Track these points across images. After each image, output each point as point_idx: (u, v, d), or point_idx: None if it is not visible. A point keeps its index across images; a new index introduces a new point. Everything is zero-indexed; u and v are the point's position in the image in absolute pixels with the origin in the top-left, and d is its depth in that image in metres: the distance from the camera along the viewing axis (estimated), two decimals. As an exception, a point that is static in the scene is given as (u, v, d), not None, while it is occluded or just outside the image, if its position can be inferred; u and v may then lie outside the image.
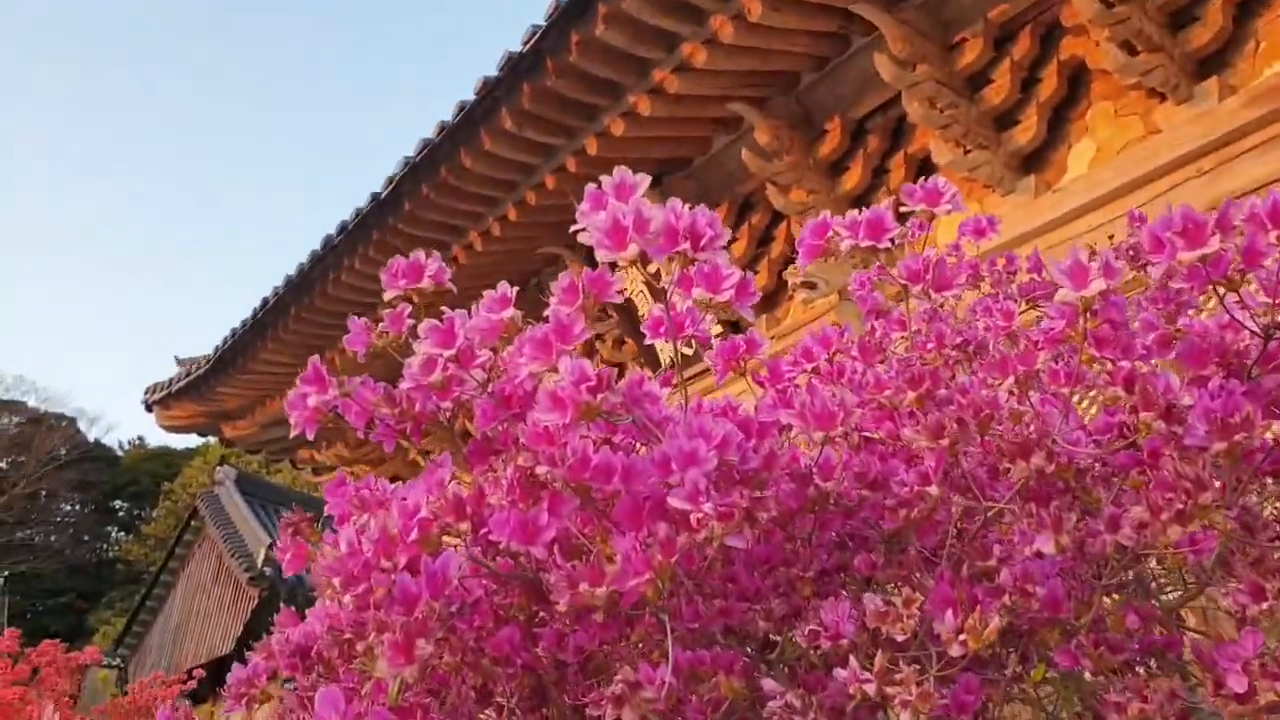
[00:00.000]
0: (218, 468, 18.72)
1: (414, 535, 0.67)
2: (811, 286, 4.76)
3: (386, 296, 0.99)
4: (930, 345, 0.94)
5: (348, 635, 0.65)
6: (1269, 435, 0.72)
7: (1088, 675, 0.83)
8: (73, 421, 35.90)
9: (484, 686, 0.77)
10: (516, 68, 4.82)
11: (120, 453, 37.05)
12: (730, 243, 5.64)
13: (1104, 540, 0.71)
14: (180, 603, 17.01)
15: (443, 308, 0.90)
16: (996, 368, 0.79)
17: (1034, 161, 4.46)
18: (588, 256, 6.26)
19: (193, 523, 17.29)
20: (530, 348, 0.78)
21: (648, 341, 1.08)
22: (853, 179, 4.98)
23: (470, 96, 5.11)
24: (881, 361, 0.97)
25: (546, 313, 0.81)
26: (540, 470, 0.71)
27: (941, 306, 1.02)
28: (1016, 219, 4.26)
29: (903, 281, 0.98)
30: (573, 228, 0.81)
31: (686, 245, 0.76)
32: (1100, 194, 4.11)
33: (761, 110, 4.98)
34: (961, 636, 0.65)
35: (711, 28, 4.37)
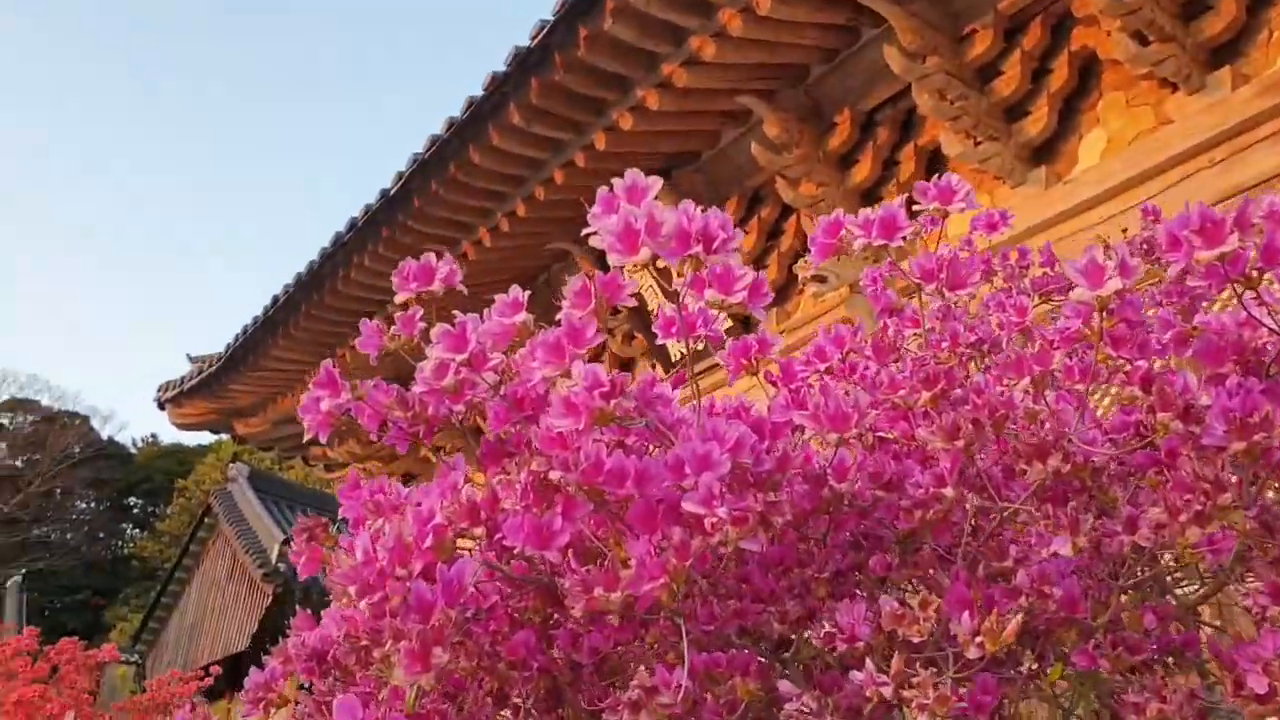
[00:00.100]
0: (230, 465, 18.82)
1: (429, 542, 0.67)
2: (822, 280, 4.75)
3: (398, 299, 0.99)
4: (945, 344, 0.93)
5: (364, 642, 0.65)
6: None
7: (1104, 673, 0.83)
8: (86, 420, 36.11)
9: (500, 690, 0.77)
10: (525, 63, 4.82)
11: (133, 450, 37.24)
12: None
13: (1121, 541, 0.71)
14: (196, 599, 17.10)
15: (454, 312, 0.90)
16: (1012, 367, 0.78)
17: (1045, 153, 4.43)
18: (597, 252, 6.25)
19: (206, 520, 17.38)
20: (543, 352, 0.77)
21: (659, 341, 1.07)
22: (863, 171, 4.96)
23: (478, 92, 5.11)
24: (895, 361, 0.97)
25: (559, 316, 0.81)
26: (554, 475, 0.71)
27: (955, 304, 1.01)
28: (1027, 210, 4.24)
29: (916, 280, 0.98)
30: (584, 231, 0.81)
31: (699, 248, 0.76)
32: (1112, 185, 4.09)
33: (770, 103, 4.96)
34: (979, 638, 0.64)
35: (720, 21, 4.36)
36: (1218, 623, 1.07)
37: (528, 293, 0.86)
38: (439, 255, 1.00)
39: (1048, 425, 0.74)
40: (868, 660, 0.67)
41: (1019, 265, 1.47)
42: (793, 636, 0.81)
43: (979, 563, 0.79)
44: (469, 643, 0.70)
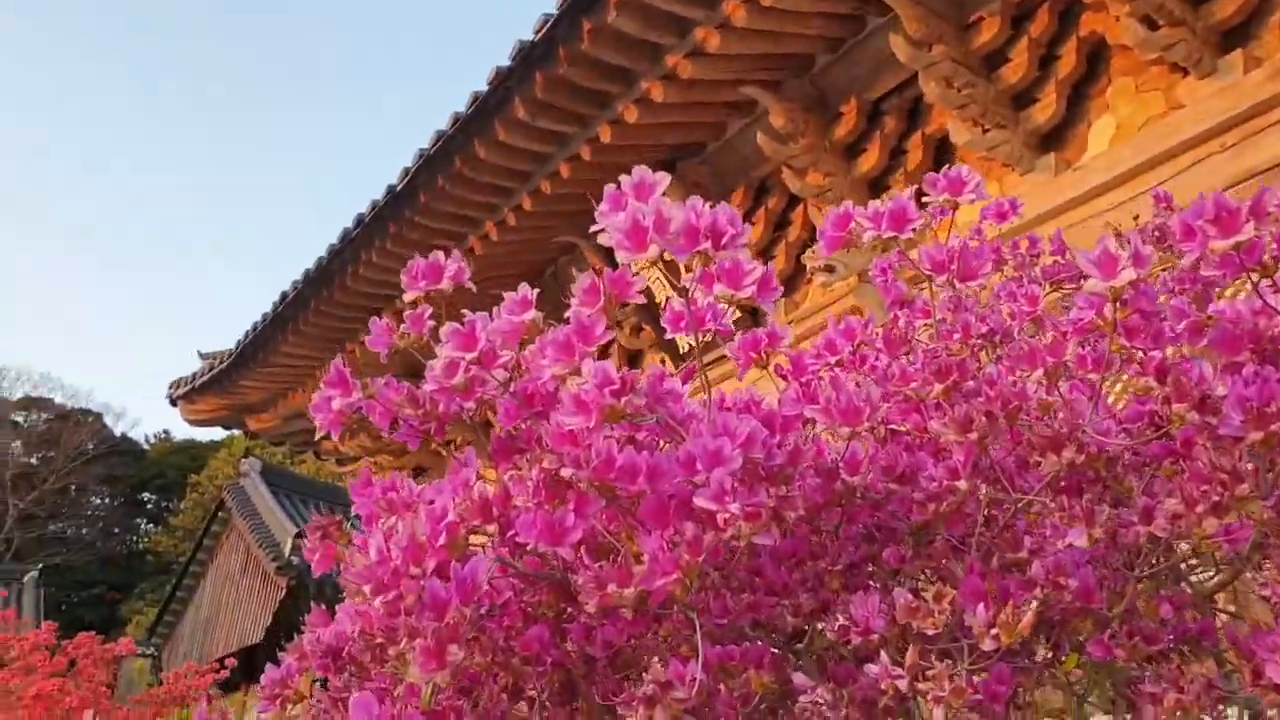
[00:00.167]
0: (243, 460, 18.89)
1: (442, 540, 0.67)
2: (830, 270, 4.74)
3: (407, 298, 0.99)
4: (956, 335, 0.93)
5: (379, 640, 0.65)
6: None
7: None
8: (99, 417, 36.31)
9: (514, 685, 0.77)
10: (529, 57, 4.81)
11: (146, 446, 37.44)
12: (748, 227, 5.62)
13: (1137, 532, 0.70)
14: (210, 593, 17.19)
15: (463, 311, 0.90)
16: (1025, 359, 0.78)
17: (1053, 140, 4.41)
18: (604, 246, 6.24)
19: (220, 514, 17.46)
20: (553, 350, 0.77)
21: (668, 335, 1.07)
22: (870, 160, 4.95)
23: (483, 88, 5.10)
24: (907, 353, 0.96)
25: (567, 314, 0.81)
26: (566, 472, 0.71)
27: (966, 295, 1.01)
28: (1036, 198, 4.22)
29: (927, 271, 0.97)
30: (592, 228, 0.81)
31: (708, 244, 0.76)
32: (1121, 171, 4.07)
33: (776, 93, 4.95)
34: (994, 630, 0.64)
35: (724, 12, 4.34)
36: (1233, 608, 1.06)
37: (536, 291, 0.86)
38: (446, 251, 1.00)
39: (1062, 417, 0.74)
40: (883, 653, 0.67)
41: (1029, 254, 1.46)
42: (806, 628, 0.81)
43: (993, 554, 0.79)
44: (483, 638, 0.70)
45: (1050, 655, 0.82)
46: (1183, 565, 0.88)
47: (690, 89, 4.87)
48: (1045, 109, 4.34)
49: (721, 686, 0.73)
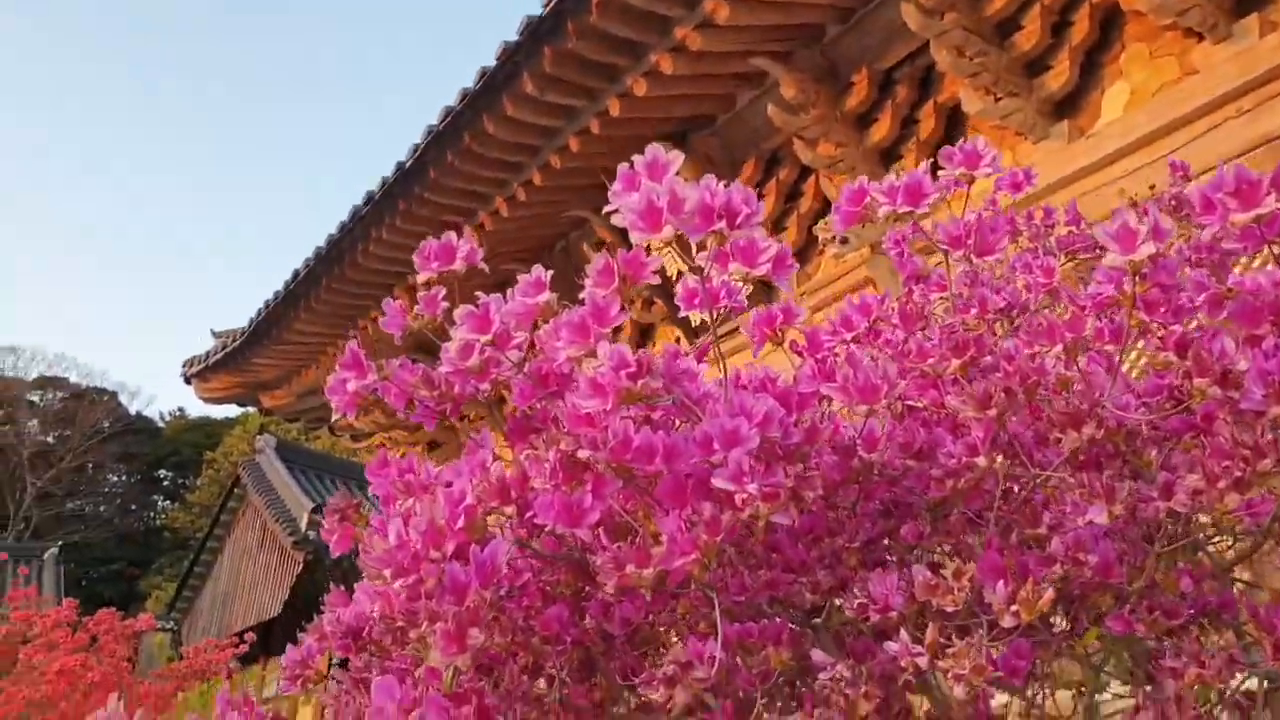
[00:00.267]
0: (258, 436, 19.00)
1: (461, 523, 0.67)
2: (843, 241, 4.71)
3: (420, 279, 0.99)
4: (973, 310, 0.92)
5: (400, 623, 0.66)
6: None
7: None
8: (114, 395, 36.58)
9: (534, 663, 0.77)
10: (536, 31, 4.78)
11: (161, 424, 37.72)
12: (758, 199, 5.59)
13: (1157, 507, 0.70)
14: (228, 568, 17.34)
15: (476, 288, 0.90)
16: (1044, 334, 0.77)
17: (1067, 107, 4.36)
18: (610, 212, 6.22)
19: (236, 490, 17.59)
20: (567, 331, 0.77)
21: (681, 314, 1.07)
22: (881, 130, 4.90)
23: (491, 64, 5.08)
24: (923, 329, 0.96)
25: (580, 294, 0.81)
26: (583, 454, 0.71)
27: (982, 270, 1.00)
28: (1050, 166, 4.18)
29: (943, 247, 0.97)
30: (606, 209, 0.81)
31: (722, 223, 0.75)
32: (1136, 138, 4.02)
33: (786, 64, 4.90)
34: (1014, 607, 0.64)
35: (734, -19, 4.30)
36: (1247, 576, 1.06)
37: (551, 272, 0.86)
38: (456, 228, 1.01)
39: (1080, 390, 0.74)
40: (902, 631, 0.67)
41: (1044, 224, 1.45)
42: (823, 604, 0.81)
43: (1012, 530, 0.78)
44: (502, 618, 0.71)
45: (1069, 628, 0.82)
46: (1200, 536, 0.87)
47: (699, 61, 4.83)
48: (1058, 76, 4.29)
49: (740, 663, 0.74)
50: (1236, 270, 1.01)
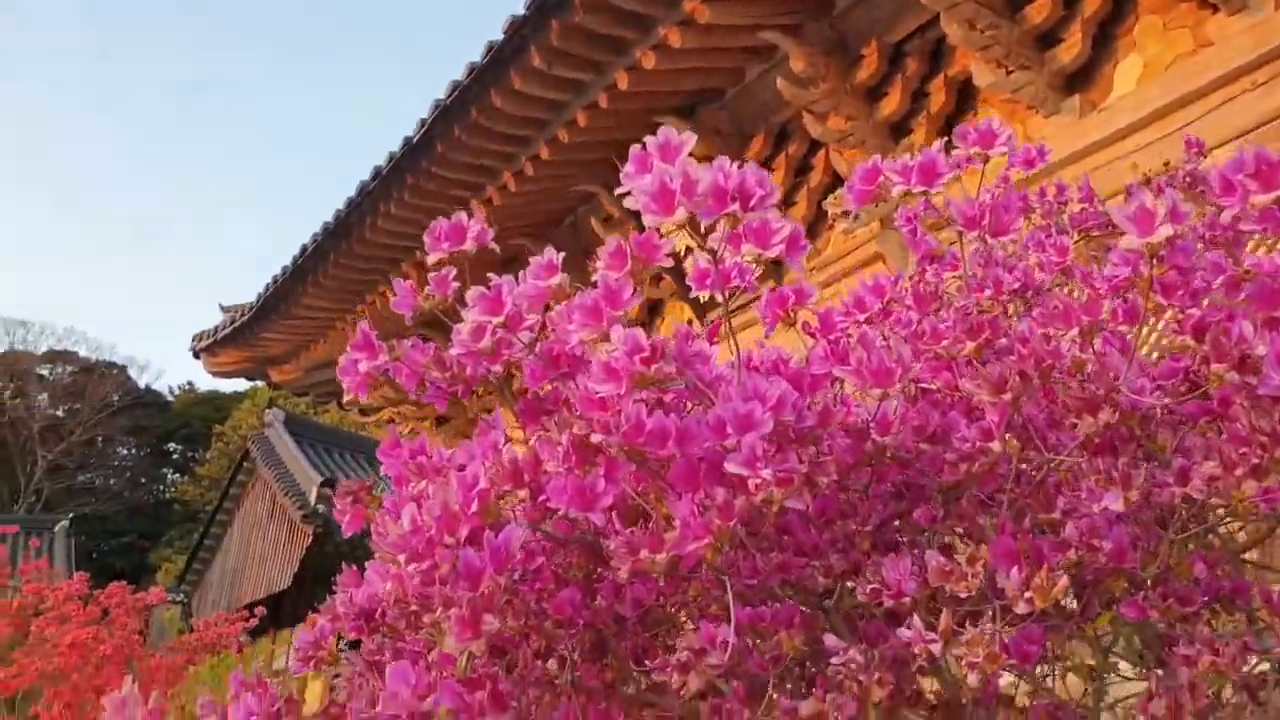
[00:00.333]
0: (266, 410, 19.07)
1: (474, 507, 0.67)
2: (855, 217, 4.69)
3: (431, 259, 0.99)
4: (988, 291, 0.92)
5: (414, 607, 0.66)
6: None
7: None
8: (123, 369, 36.73)
9: (547, 646, 0.78)
10: (544, 5, 4.74)
11: (170, 398, 37.87)
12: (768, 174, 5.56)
13: (1172, 492, 0.70)
14: (238, 541, 17.46)
15: (484, 264, 0.90)
16: (1060, 318, 0.77)
17: (1079, 80, 4.32)
18: (621, 195, 6.19)
19: (245, 464, 17.67)
20: (580, 314, 0.77)
21: (693, 294, 1.07)
22: (892, 104, 4.87)
23: (498, 38, 5.04)
24: (937, 310, 0.95)
25: (592, 274, 0.81)
26: (596, 438, 0.71)
27: (995, 250, 0.99)
28: (1062, 140, 4.15)
29: (959, 228, 0.96)
30: (618, 190, 0.80)
31: (736, 206, 0.75)
32: (1149, 111, 3.99)
33: (795, 37, 4.86)
34: (1028, 594, 0.64)
35: (743, -47, 4.26)
36: (1254, 555, 1.06)
37: (562, 254, 0.85)
38: (464, 202, 1.00)
39: (1095, 372, 0.73)
40: (915, 617, 0.67)
41: (1057, 201, 1.44)
42: (835, 587, 0.81)
43: (1025, 513, 0.78)
44: (515, 601, 0.71)
45: (1080, 612, 0.81)
46: (1213, 519, 0.87)
47: (708, 34, 4.79)
48: (1070, 49, 4.24)
49: (752, 646, 0.74)
50: (1249, 248, 1.00)
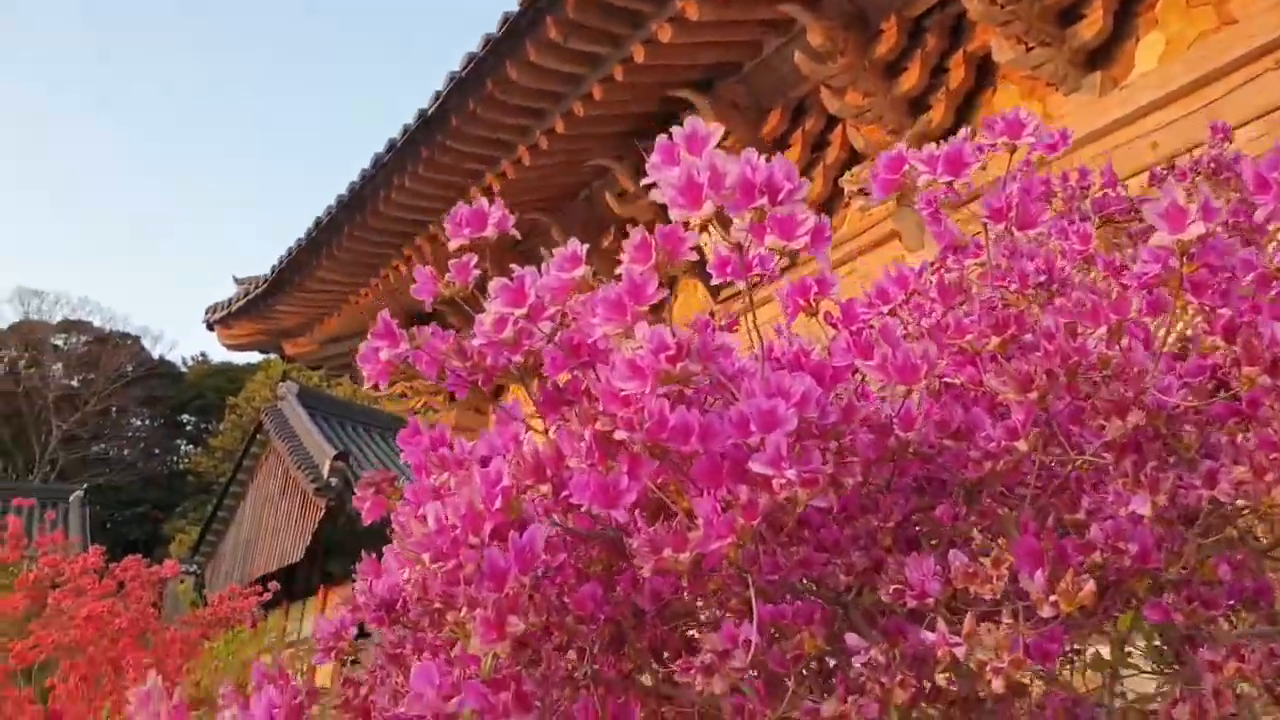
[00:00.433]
0: (280, 383, 19.13)
1: (498, 504, 0.67)
2: (869, 194, 4.65)
3: (451, 246, 0.99)
4: (1013, 286, 0.91)
5: (438, 605, 0.66)
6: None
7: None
8: (137, 340, 36.95)
9: (567, 641, 0.78)
10: (561, -25, 4.71)
11: (184, 369, 38.09)
12: (784, 149, 5.52)
13: (1200, 495, 0.69)
14: (251, 513, 17.57)
15: (504, 250, 0.89)
16: (1088, 315, 0.76)
17: (1100, 58, 4.27)
18: (637, 169, 6.18)
19: (258, 436, 17.75)
20: (604, 308, 0.76)
21: (713, 281, 1.06)
22: (910, 79, 4.82)
23: (514, 7, 5.00)
24: (962, 303, 0.94)
25: (618, 270, 0.80)
26: (619, 435, 0.70)
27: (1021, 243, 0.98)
28: (1081, 118, 4.11)
29: (985, 219, 0.95)
30: (644, 181, 0.79)
31: (764, 200, 0.74)
32: (1171, 89, 3.94)
33: (814, 11, 4.80)
34: (1053, 598, 0.64)
35: (761, -74, 4.21)
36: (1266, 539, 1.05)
37: (586, 249, 0.85)
38: (478, 175, 0.99)
39: (1119, 366, 0.72)
40: (939, 621, 0.67)
41: (1079, 186, 1.42)
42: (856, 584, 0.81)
43: (1047, 512, 0.78)
44: (538, 597, 0.71)
45: (1101, 611, 0.81)
46: (1239, 520, 0.87)
47: (726, 6, 4.74)
48: (1092, 25, 4.19)
49: (774, 647, 0.74)
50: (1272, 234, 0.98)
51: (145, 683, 0.65)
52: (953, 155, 0.96)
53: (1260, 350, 0.67)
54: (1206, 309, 0.74)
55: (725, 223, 0.81)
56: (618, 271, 0.79)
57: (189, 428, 37.25)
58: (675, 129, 0.78)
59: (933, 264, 1.17)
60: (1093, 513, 0.73)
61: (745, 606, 0.77)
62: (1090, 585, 0.61)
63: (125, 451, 35.33)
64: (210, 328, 9.42)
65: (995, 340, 0.83)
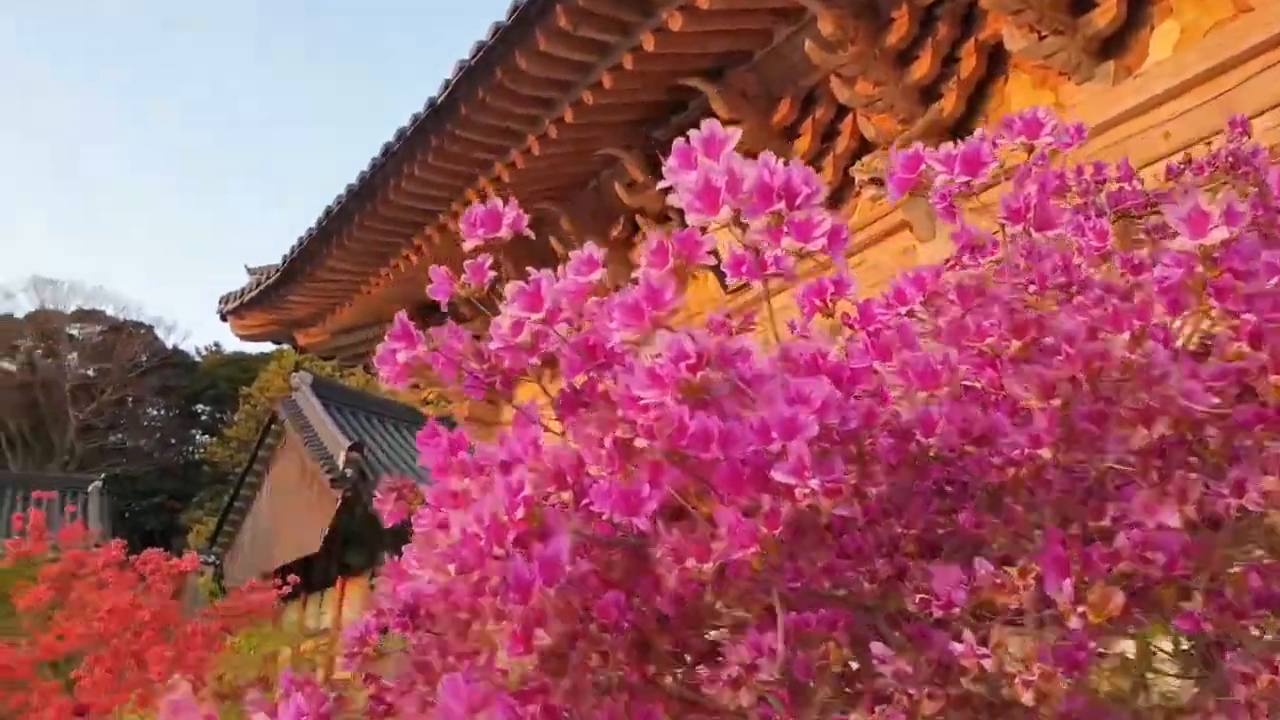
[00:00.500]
0: (294, 373, 19.18)
1: (520, 513, 0.67)
2: (879, 183, 4.64)
3: (466, 247, 0.99)
4: (1032, 287, 0.90)
5: (463, 615, 0.66)
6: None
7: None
8: (150, 329, 37.11)
9: (593, 650, 0.78)
10: (570, -35, 4.69)
11: (198, 359, 38.25)
12: (794, 138, 5.49)
13: (1228, 504, 0.69)
14: (267, 503, 17.63)
15: (528, 269, 0.89)
16: (1110, 320, 0.75)
17: (1113, 46, 4.23)
18: (646, 159, 6.16)
19: (273, 427, 17.81)
20: (621, 313, 0.76)
21: (729, 284, 1.05)
22: (922, 68, 4.79)
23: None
24: (980, 305, 0.94)
25: (635, 274, 0.80)
26: (639, 443, 0.70)
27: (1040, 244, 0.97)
28: (1094, 108, 4.08)
29: (1003, 220, 0.94)
30: (660, 184, 0.79)
31: (782, 204, 0.74)
32: (1185, 79, 3.90)
33: (825, -1, 4.78)
34: (1080, 609, 0.63)
35: (773, -86, 4.18)
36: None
37: (604, 251, 0.84)
38: (487, 165, 0.99)
39: (1148, 383, 0.72)
40: (966, 631, 0.66)
41: (1094, 180, 1.41)
42: (883, 595, 0.81)
43: (1071, 519, 0.77)
44: (563, 606, 0.71)
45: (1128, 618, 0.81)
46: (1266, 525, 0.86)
47: (736, -5, 4.73)
48: (1105, 13, 4.15)
49: (799, 655, 0.73)
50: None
51: (173, 688, 0.65)
52: (970, 155, 0.95)
53: (1288, 357, 0.66)
54: (1231, 314, 0.73)
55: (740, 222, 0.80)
56: (634, 275, 0.79)
57: (204, 418, 37.44)
58: (692, 132, 0.78)
59: (948, 262, 1.16)
60: (1118, 519, 0.72)
61: (768, 612, 0.77)
62: (1120, 597, 0.60)
63: (141, 441, 35.54)
64: (224, 318, 9.46)
65: (1015, 344, 0.82)
